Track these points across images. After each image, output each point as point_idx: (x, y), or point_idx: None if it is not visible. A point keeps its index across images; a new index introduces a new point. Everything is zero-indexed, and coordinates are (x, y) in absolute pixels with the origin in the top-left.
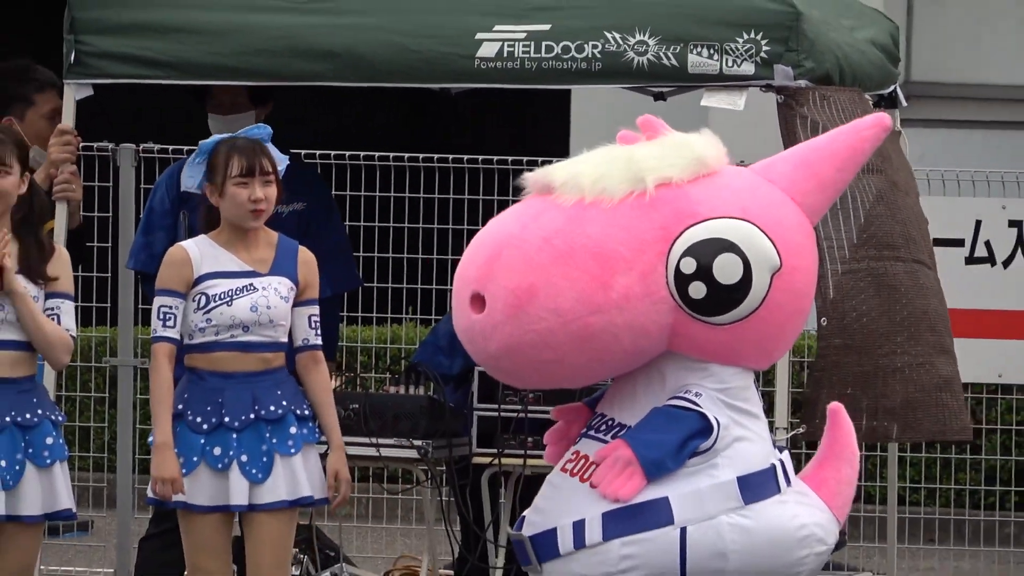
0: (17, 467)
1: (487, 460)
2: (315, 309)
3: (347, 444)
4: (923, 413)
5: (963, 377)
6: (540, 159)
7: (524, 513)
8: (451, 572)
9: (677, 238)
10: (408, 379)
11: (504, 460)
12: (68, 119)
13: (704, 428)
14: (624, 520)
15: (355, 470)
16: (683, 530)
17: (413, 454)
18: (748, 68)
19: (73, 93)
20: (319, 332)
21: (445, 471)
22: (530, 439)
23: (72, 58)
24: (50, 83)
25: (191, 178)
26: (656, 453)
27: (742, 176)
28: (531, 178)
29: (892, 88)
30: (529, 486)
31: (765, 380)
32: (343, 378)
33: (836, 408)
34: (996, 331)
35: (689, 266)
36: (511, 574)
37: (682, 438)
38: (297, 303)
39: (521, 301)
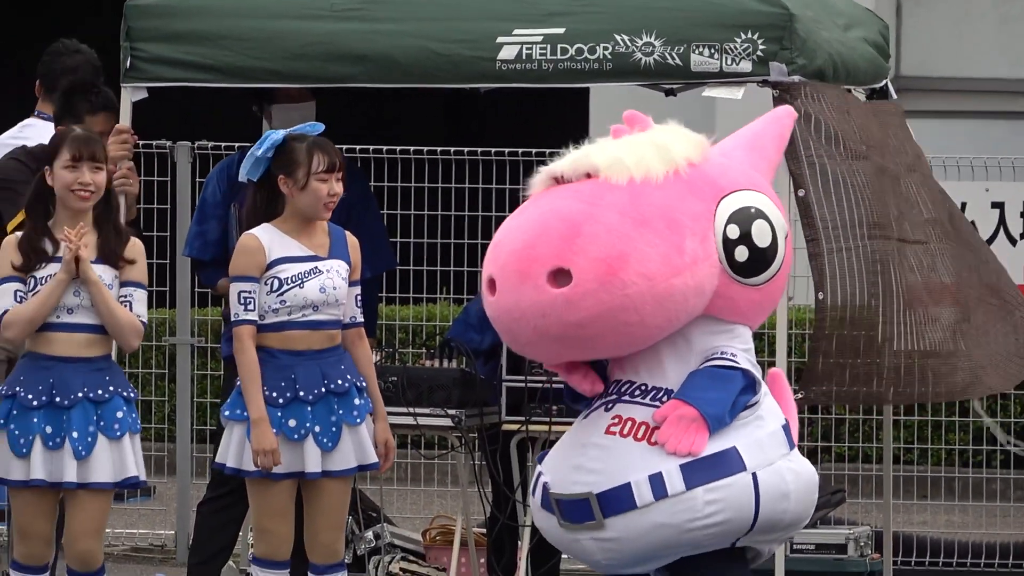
0: (89, 439)
1: (515, 427)
2: (359, 289)
3: (387, 413)
4: (910, 379)
5: None
6: (562, 151)
7: (547, 480)
8: (483, 530)
9: (717, 208)
10: (442, 354)
11: (531, 427)
12: (125, 119)
13: (749, 384)
14: (702, 470)
15: (394, 437)
16: (754, 475)
17: (447, 422)
18: (746, 66)
19: (129, 96)
20: (363, 310)
21: (477, 438)
22: (555, 407)
23: (128, 64)
24: (102, 106)
25: (246, 167)
26: (717, 409)
27: (727, 157)
28: (558, 167)
29: (883, 82)
30: None
31: (769, 351)
32: (383, 353)
33: (776, 373)
34: None
35: (734, 232)
36: (538, 532)
37: (734, 394)
38: None
39: (614, 268)
